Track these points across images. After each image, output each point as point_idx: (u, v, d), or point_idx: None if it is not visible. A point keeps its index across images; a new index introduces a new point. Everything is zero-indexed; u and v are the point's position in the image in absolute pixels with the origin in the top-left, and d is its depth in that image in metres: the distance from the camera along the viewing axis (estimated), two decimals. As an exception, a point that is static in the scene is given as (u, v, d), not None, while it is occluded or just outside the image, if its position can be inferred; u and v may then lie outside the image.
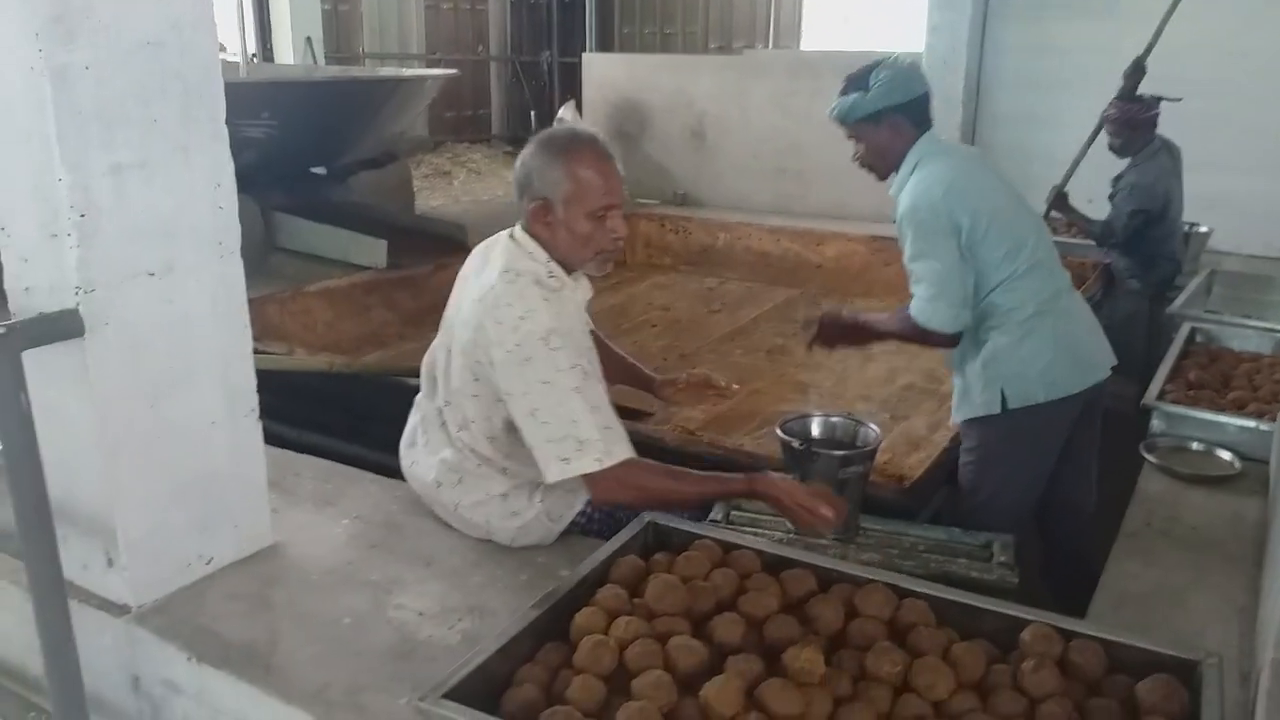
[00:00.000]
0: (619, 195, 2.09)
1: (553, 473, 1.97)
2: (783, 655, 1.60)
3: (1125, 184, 4.19)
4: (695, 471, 2.13)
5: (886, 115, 2.54)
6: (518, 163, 2.11)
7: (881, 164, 2.63)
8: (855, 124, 2.59)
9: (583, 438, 1.94)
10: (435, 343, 2.26)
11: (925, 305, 2.50)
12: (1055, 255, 2.62)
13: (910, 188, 2.53)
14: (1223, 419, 2.66)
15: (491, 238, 2.21)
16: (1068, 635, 1.64)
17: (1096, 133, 4.44)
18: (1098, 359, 2.59)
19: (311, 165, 6.17)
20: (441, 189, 9.92)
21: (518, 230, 2.12)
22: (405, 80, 6.95)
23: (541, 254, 2.07)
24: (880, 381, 4.06)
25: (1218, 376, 3.08)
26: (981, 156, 2.76)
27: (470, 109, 13.31)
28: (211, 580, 2.05)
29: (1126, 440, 2.72)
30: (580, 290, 2.18)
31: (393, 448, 2.41)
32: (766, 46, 12.57)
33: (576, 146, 2.05)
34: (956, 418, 2.65)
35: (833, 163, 6.68)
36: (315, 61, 9.88)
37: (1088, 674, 1.59)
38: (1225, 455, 2.57)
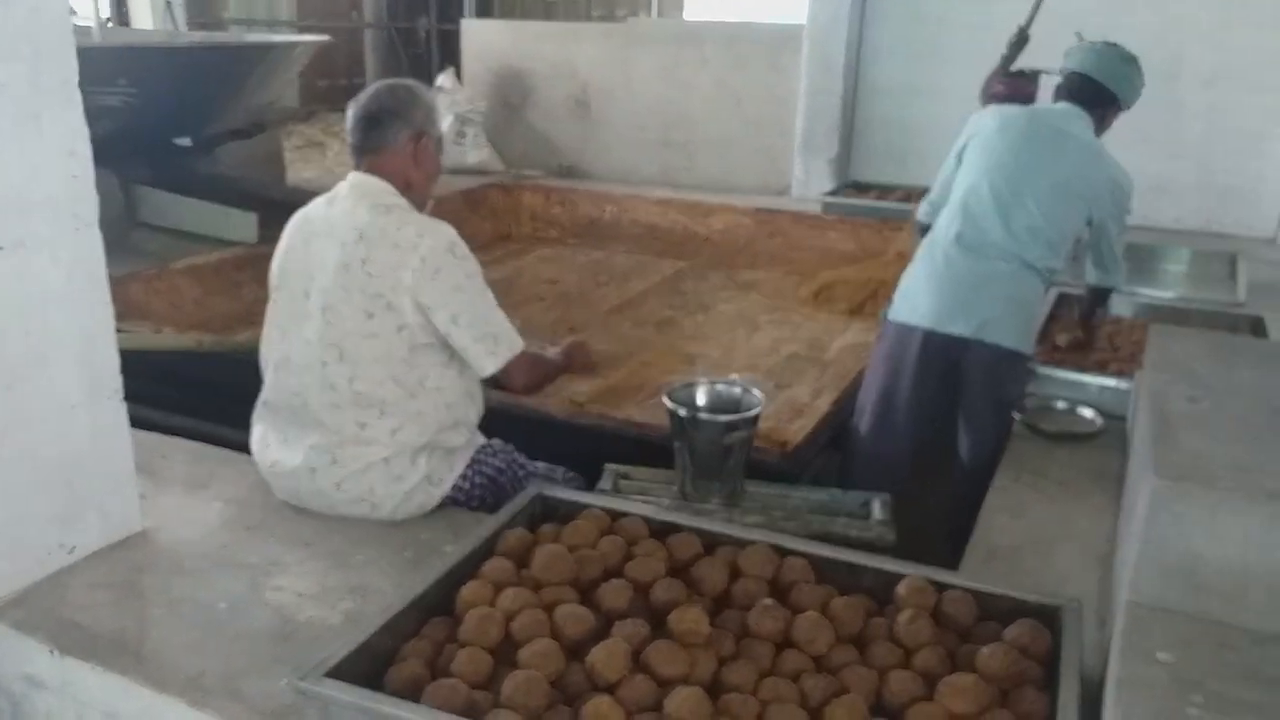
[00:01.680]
0: None
1: (487, 366, 2.16)
2: (668, 618, 1.62)
3: None
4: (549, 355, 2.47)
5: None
6: (390, 95, 2.20)
7: None
8: None
9: (498, 332, 2.17)
10: (277, 323, 2.21)
11: None
12: (1006, 223, 2.69)
13: None
14: (1085, 378, 2.80)
15: (315, 201, 2.26)
16: (941, 587, 1.71)
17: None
18: (967, 316, 2.68)
19: (175, 136, 5.86)
20: (315, 160, 9.58)
21: (357, 177, 2.18)
22: (273, 46, 6.65)
23: (395, 193, 2.17)
24: (765, 351, 4.12)
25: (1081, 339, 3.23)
26: (1051, 122, 2.77)
27: (344, 78, 12.84)
28: (75, 570, 1.95)
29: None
30: None
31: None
32: (650, 15, 12.53)
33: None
34: None
35: (719, 134, 6.79)
36: (176, 26, 9.39)
37: (960, 623, 1.67)
38: (1088, 413, 2.70)
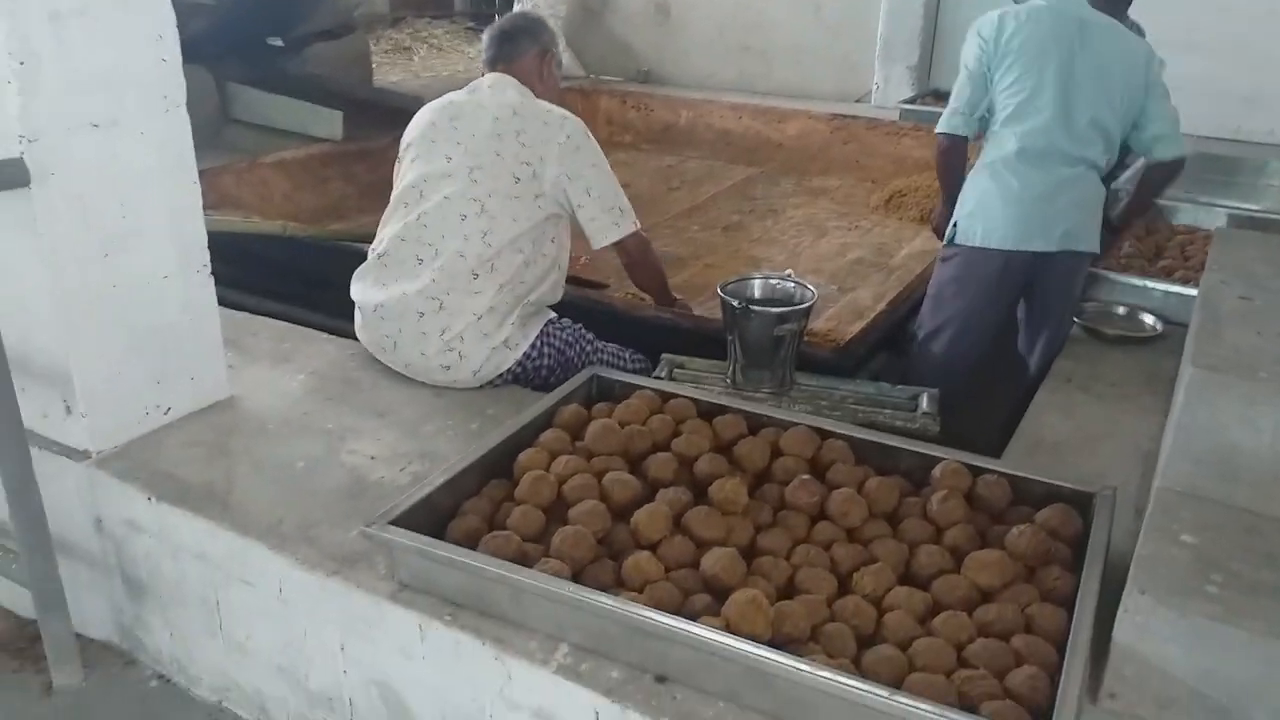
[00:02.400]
0: None
1: (609, 235, 2.42)
2: (709, 489, 1.71)
3: None
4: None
5: None
6: (522, 18, 2.61)
7: None
8: None
9: (624, 207, 2.45)
10: (414, 185, 2.37)
11: (943, 112, 2.78)
12: (1065, 126, 2.62)
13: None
14: (1148, 283, 2.77)
15: (454, 92, 2.49)
16: (977, 471, 1.77)
17: None
18: (1047, 231, 2.64)
19: (267, 35, 6.00)
20: (402, 65, 9.66)
21: (496, 75, 2.47)
22: (362, -51, 6.71)
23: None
24: (831, 255, 4.13)
25: (1151, 247, 3.19)
26: (1089, 15, 2.68)
27: (432, -15, 12.87)
28: (169, 429, 2.12)
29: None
30: None
31: (349, 314, 2.46)
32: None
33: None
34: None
35: (796, 41, 6.67)
36: (268, -73, 9.45)
37: (993, 505, 1.73)
38: (1149, 319, 2.68)
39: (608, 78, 6.84)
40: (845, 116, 5.69)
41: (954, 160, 2.80)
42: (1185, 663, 1.32)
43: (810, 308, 2.30)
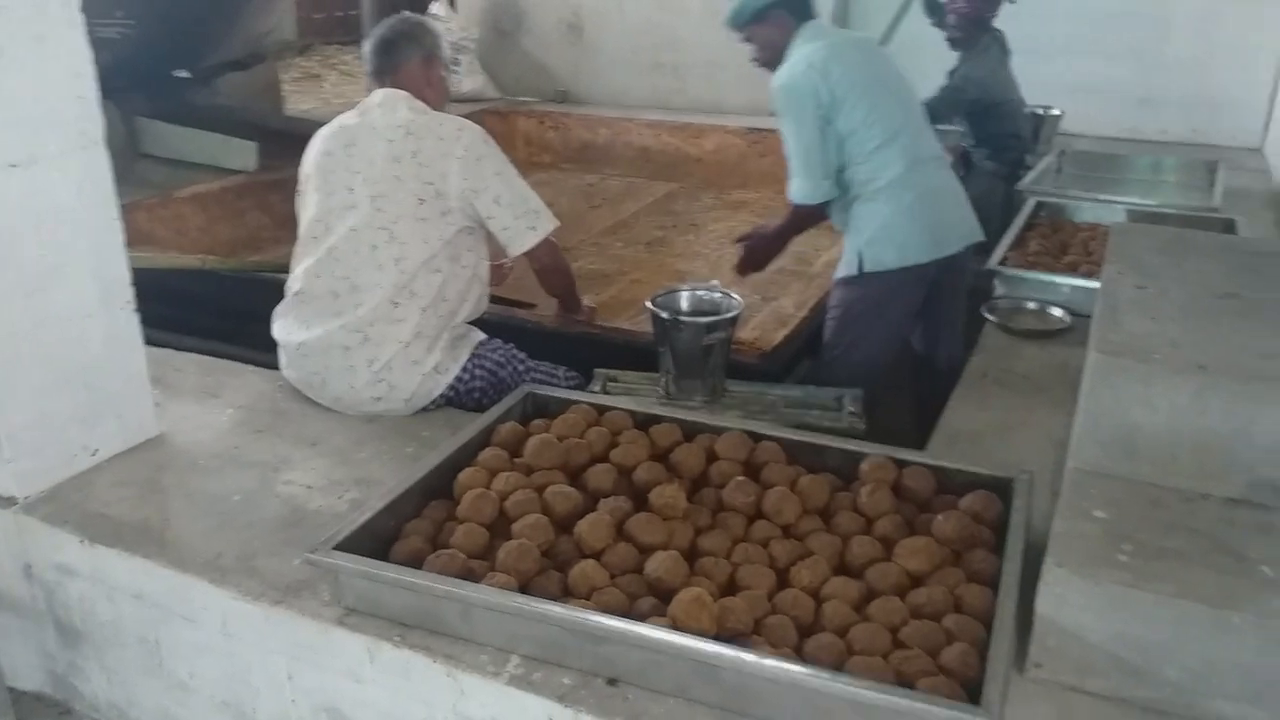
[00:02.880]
0: None
1: (527, 241, 2.40)
2: (648, 495, 1.76)
3: (960, 76, 4.37)
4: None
5: (770, 11, 2.77)
6: (401, 22, 2.50)
7: (773, 58, 2.82)
8: (746, 25, 2.81)
9: (537, 208, 2.42)
10: (320, 220, 2.37)
11: (792, 184, 2.75)
12: (922, 131, 2.81)
13: (780, 73, 2.72)
14: (1056, 279, 2.90)
15: (343, 115, 2.46)
16: (902, 464, 1.84)
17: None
18: (952, 232, 2.80)
19: (173, 68, 5.91)
20: (312, 92, 9.58)
21: (384, 91, 2.42)
22: (269, -23, 6.64)
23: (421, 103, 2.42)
24: (754, 266, 4.22)
25: (1057, 245, 3.33)
26: (865, 40, 2.90)
27: (339, 9, 12.76)
28: (98, 470, 2.09)
29: (976, 314, 2.94)
30: None
31: (272, 346, 2.45)
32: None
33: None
34: (834, 278, 2.92)
35: (708, 57, 6.77)
36: (169, -42, 9.29)
37: (918, 495, 1.80)
38: (1057, 312, 2.81)
39: (524, 99, 6.87)
40: (761, 130, 5.79)
41: (816, 221, 2.88)
42: (1101, 628, 1.40)
43: (737, 316, 2.37)
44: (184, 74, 5.93)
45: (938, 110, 4.39)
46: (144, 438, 2.21)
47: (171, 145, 5.05)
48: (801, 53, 2.72)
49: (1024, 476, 1.79)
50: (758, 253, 3.07)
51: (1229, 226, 3.32)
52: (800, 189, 2.75)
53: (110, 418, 2.13)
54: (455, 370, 2.34)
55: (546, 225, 2.43)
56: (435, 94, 2.47)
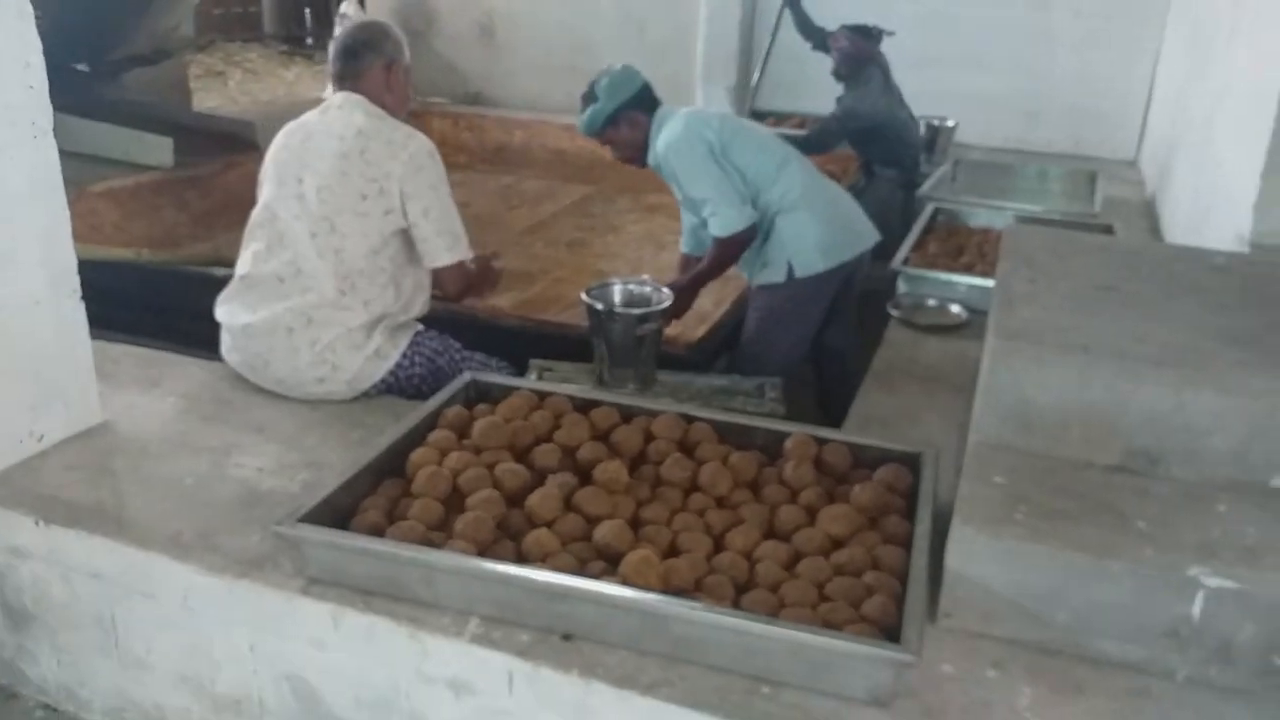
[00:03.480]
0: None
1: (442, 259, 2.45)
2: (593, 471, 1.89)
3: (844, 109, 4.62)
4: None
5: (621, 114, 2.97)
6: (364, 30, 2.58)
7: (636, 154, 3.06)
8: (601, 131, 3.01)
9: (458, 232, 2.48)
10: (269, 208, 2.44)
11: (717, 219, 2.88)
12: (799, 154, 3.10)
13: (659, 143, 2.94)
14: (954, 278, 3.14)
15: (308, 113, 2.51)
16: (821, 442, 2.02)
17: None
18: (862, 229, 3.09)
19: (73, 61, 5.77)
20: (217, 90, 9.44)
21: (345, 95, 2.49)
22: (172, -30, 6.53)
23: (379, 109, 2.49)
24: (671, 266, 4.32)
25: (954, 247, 3.59)
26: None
27: (240, 6, 12.56)
28: (45, 456, 2.12)
29: (882, 311, 3.16)
30: None
31: (206, 343, 2.50)
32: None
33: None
34: (753, 284, 3.08)
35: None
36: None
37: (837, 469, 1.98)
38: (955, 309, 3.05)
39: (436, 99, 6.91)
40: (673, 135, 5.98)
41: (745, 249, 2.98)
42: (1003, 579, 1.59)
43: (667, 308, 2.52)
44: (83, 67, 5.81)
45: (823, 140, 4.67)
46: (89, 424, 2.24)
47: (83, 139, 4.94)
48: (671, 124, 2.93)
49: (931, 451, 1.98)
50: (687, 294, 3.05)
51: (1108, 230, 3.63)
52: (726, 219, 2.85)
53: (58, 403, 2.16)
54: (395, 356, 2.43)
55: (462, 252, 2.49)
56: (395, 99, 2.55)
